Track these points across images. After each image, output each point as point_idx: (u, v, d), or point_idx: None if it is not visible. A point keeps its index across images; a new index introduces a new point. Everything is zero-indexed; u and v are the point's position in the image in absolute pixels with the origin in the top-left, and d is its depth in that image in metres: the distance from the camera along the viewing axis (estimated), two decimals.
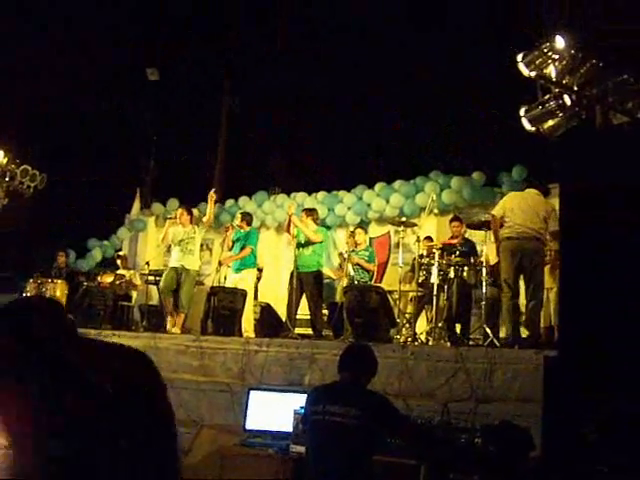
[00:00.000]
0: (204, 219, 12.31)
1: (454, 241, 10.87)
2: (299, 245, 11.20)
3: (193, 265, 11.84)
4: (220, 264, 12.14)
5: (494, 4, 15.26)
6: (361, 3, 18.40)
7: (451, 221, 11.31)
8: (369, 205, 14.23)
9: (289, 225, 11.47)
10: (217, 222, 15.77)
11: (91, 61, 19.76)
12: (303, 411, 5.47)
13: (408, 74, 18.19)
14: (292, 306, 11.04)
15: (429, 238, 11.82)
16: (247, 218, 12.35)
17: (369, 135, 18.93)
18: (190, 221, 12.02)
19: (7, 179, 14.03)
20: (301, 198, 15.01)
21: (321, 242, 11.23)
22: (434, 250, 10.52)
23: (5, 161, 13.95)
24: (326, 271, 12.39)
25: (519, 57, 6.48)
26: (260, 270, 13.06)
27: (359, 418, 4.80)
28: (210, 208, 12.14)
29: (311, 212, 11.68)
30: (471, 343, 9.73)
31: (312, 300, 11.12)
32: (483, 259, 9.82)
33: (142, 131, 19.81)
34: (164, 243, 12.62)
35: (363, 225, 13.58)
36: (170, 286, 11.67)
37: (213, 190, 12.25)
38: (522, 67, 6.47)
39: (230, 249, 12.09)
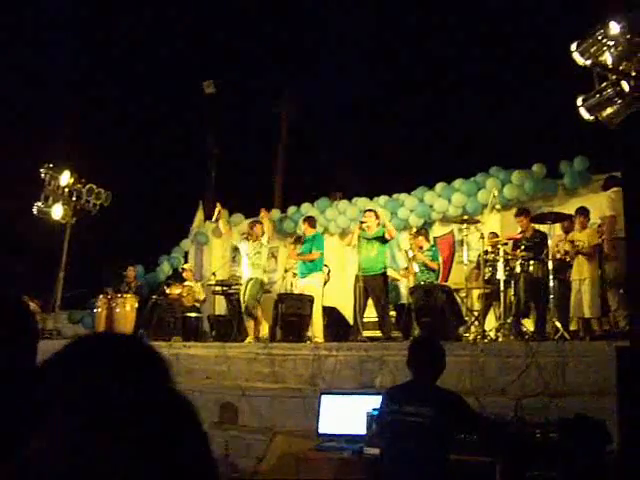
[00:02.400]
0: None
1: (519, 236, 10.74)
2: (362, 248, 11.22)
3: (260, 275, 12.15)
4: (286, 271, 12.27)
5: None
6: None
7: (516, 215, 11.14)
8: (431, 206, 14.14)
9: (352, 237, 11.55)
10: (281, 229, 15.89)
11: (150, 77, 20.15)
12: (377, 412, 5.48)
13: (460, 68, 18.15)
14: (359, 309, 11.04)
15: (494, 234, 11.71)
16: (310, 221, 12.46)
17: (426, 135, 18.91)
18: (258, 235, 12.33)
19: (74, 198, 14.36)
20: (363, 203, 14.96)
21: (387, 242, 11.35)
22: (499, 246, 10.44)
23: (72, 181, 14.29)
24: (391, 273, 12.37)
25: (573, 46, 6.39)
26: (328, 272, 13.07)
27: (434, 417, 4.80)
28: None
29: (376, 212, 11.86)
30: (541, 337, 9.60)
31: (379, 302, 11.12)
32: (550, 253, 9.70)
33: (202, 143, 20.08)
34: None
35: (426, 227, 13.52)
36: (255, 295, 11.95)
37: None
38: (577, 56, 6.38)
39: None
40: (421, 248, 11.73)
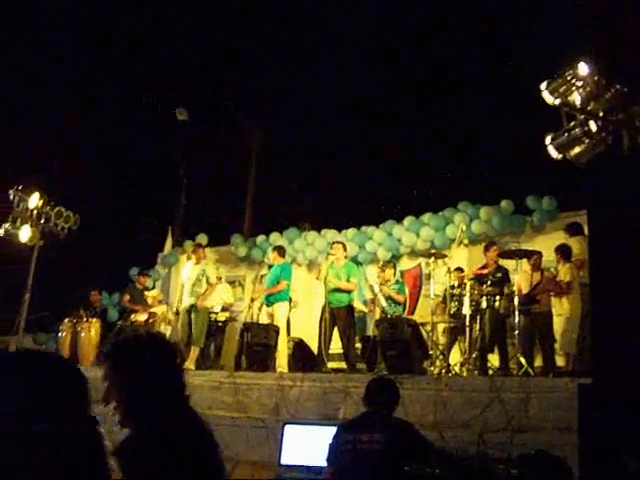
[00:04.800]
0: None
1: (485, 271, 10.81)
2: (329, 280, 11.25)
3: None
4: (252, 300, 12.22)
5: (516, 34, 15.34)
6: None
7: (486, 249, 11.15)
8: (399, 240, 14.14)
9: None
10: (248, 258, 15.83)
11: (121, 102, 20.09)
12: (330, 445, 5.47)
13: (430, 102, 18.28)
14: (324, 340, 11.03)
15: (460, 269, 11.76)
16: (280, 251, 12.44)
17: (396, 170, 19.00)
18: (201, 259, 12.44)
19: (42, 221, 14.20)
20: (332, 235, 14.95)
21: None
22: (465, 281, 10.51)
23: (40, 203, 14.14)
24: (358, 305, 12.37)
25: (543, 85, 6.48)
26: (293, 304, 13.01)
27: (384, 442, 4.84)
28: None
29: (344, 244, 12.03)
30: (505, 373, 9.66)
31: (344, 334, 11.12)
32: (515, 288, 9.77)
33: (173, 170, 20.05)
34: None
35: (393, 260, 13.50)
36: (204, 327, 12.08)
37: None
38: (546, 95, 6.47)
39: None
40: (388, 281, 11.75)
